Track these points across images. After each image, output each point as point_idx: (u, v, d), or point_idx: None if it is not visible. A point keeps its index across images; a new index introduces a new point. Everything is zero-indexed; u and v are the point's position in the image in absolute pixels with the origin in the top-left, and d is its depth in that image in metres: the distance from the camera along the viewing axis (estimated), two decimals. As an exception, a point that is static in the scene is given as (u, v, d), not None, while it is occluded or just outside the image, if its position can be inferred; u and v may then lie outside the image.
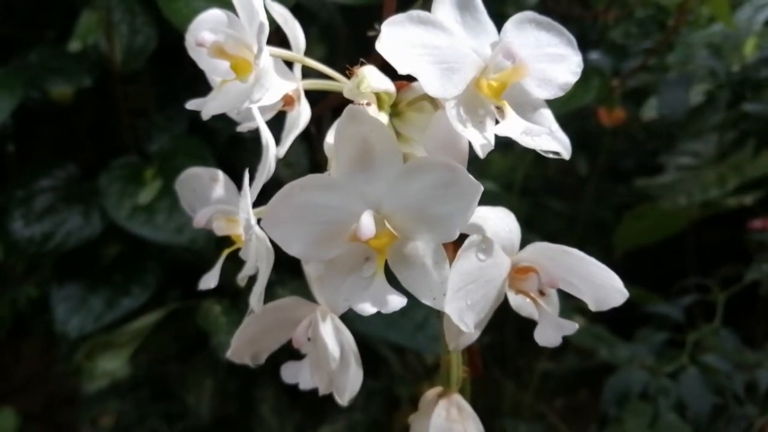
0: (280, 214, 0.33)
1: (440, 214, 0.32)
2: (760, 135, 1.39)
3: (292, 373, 0.40)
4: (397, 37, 0.32)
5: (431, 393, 0.43)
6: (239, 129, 0.42)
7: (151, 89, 1.02)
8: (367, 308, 0.32)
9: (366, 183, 0.33)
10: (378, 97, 0.36)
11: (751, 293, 1.30)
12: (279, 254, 1.11)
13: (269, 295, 1.07)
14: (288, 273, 1.10)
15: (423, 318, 0.95)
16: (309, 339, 0.39)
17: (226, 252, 0.40)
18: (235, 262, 1.03)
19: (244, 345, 0.40)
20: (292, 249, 0.34)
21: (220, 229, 0.39)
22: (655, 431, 1.15)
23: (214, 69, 0.38)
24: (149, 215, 0.91)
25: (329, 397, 1.32)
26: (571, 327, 0.35)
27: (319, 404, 1.32)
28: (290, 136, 0.40)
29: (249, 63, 0.35)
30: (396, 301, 0.32)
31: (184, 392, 1.17)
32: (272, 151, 0.38)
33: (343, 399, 0.40)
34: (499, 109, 0.33)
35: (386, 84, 0.35)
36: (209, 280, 0.40)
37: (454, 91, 0.32)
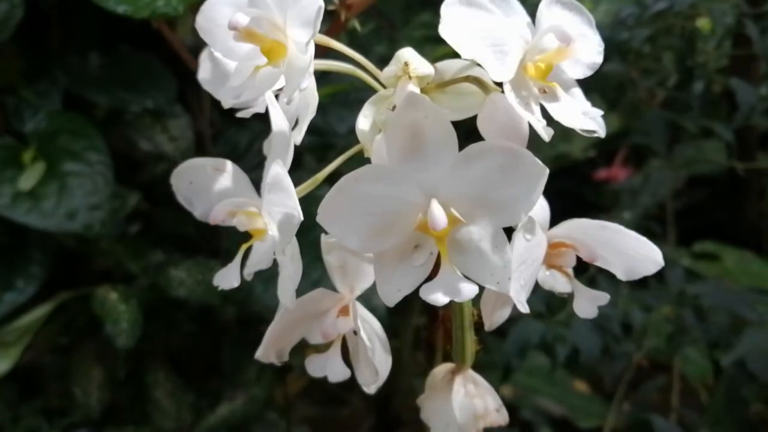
0: (337, 208, 0.32)
1: (503, 199, 0.32)
2: (609, 95, 1.49)
3: (318, 367, 0.39)
4: (458, 20, 0.31)
5: (440, 371, 0.44)
6: (240, 114, 0.40)
7: (17, 63, 0.92)
8: (440, 298, 0.32)
9: (420, 170, 0.32)
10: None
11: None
12: (169, 234, 1.05)
13: (164, 276, 1.01)
14: (180, 253, 1.06)
15: (318, 277, 0.94)
16: (355, 333, 0.38)
17: (244, 247, 0.38)
18: (130, 246, 0.95)
19: (273, 343, 0.38)
20: (350, 242, 0.33)
21: (242, 224, 0.37)
22: (551, 380, 1.24)
23: (232, 52, 0.35)
24: (34, 202, 0.84)
25: (221, 375, 1.28)
26: (604, 298, 0.37)
27: (212, 383, 1.29)
28: (305, 120, 0.38)
29: (283, 46, 0.33)
30: (468, 289, 0.32)
31: (69, 385, 1.10)
32: (292, 139, 0.36)
33: (371, 387, 0.39)
34: (543, 90, 0.34)
35: (429, 67, 0.35)
36: (230, 279, 0.37)
37: (510, 74, 0.32)
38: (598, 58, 0.36)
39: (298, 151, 1.21)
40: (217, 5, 0.34)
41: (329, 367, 0.38)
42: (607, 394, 1.62)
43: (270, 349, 0.38)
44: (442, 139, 0.32)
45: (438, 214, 0.31)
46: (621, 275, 0.37)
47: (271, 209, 0.35)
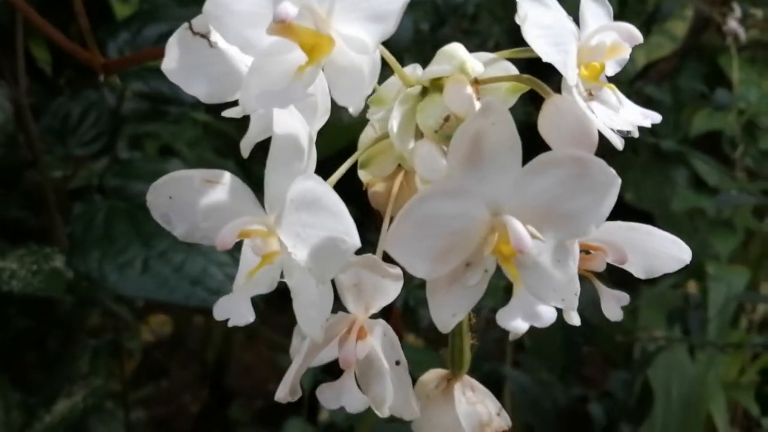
0: (404, 233, 0.28)
1: (571, 211, 0.30)
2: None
3: (332, 398, 0.34)
4: (536, 19, 0.28)
5: (431, 378, 0.41)
6: (227, 114, 0.34)
7: None
8: (520, 325, 0.29)
9: (482, 181, 0.29)
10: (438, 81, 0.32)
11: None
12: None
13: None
14: (4, 241, 0.93)
15: (200, 270, 0.87)
16: (398, 363, 0.34)
17: (252, 273, 0.32)
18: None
19: (294, 380, 0.33)
20: (417, 269, 0.29)
21: (259, 248, 0.31)
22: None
23: (250, 45, 0.29)
24: None
25: (50, 371, 1.16)
26: (626, 298, 0.37)
27: (41, 379, 1.15)
28: (314, 127, 0.33)
29: (330, 42, 0.28)
30: (549, 313, 0.29)
31: None
32: (311, 145, 0.31)
33: (383, 411, 0.36)
34: (589, 92, 0.32)
35: (480, 65, 0.31)
36: (243, 314, 0.32)
37: (576, 75, 0.30)
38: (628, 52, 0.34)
39: (123, 117, 1.09)
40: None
41: (345, 397, 0.34)
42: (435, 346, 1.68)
43: (290, 387, 0.33)
44: (507, 147, 0.29)
45: (522, 234, 0.28)
46: (640, 274, 0.37)
47: (303, 231, 0.30)
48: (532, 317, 0.29)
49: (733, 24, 1.35)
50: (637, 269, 0.37)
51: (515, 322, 0.29)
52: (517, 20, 0.28)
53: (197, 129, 1.59)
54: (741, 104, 1.30)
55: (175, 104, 0.96)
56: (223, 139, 1.62)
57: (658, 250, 0.36)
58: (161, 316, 1.44)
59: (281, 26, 0.27)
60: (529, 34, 0.28)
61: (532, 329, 0.30)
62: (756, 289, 1.34)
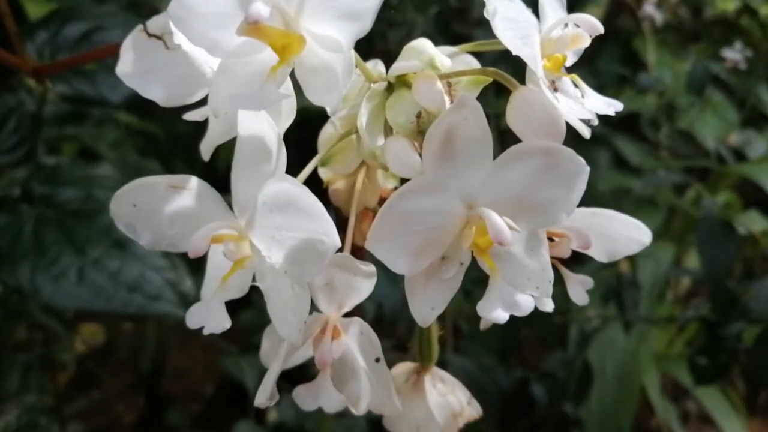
0: (384, 230, 0.28)
1: (542, 200, 0.30)
2: (360, 47, 1.51)
3: (309, 399, 0.34)
4: (504, 13, 0.28)
5: (401, 372, 0.41)
6: (188, 117, 0.33)
7: None
8: (501, 315, 0.29)
9: (455, 176, 0.29)
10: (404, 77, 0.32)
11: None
12: None
13: None
14: None
15: (138, 276, 0.85)
16: (377, 360, 0.34)
17: (226, 279, 0.32)
18: None
19: (273, 384, 0.33)
20: (399, 266, 0.29)
21: (232, 254, 0.30)
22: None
23: (216, 47, 0.28)
24: None
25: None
26: (590, 282, 0.37)
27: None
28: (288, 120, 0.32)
29: (301, 41, 0.27)
30: (527, 301, 0.30)
31: None
32: (280, 147, 0.31)
33: (359, 408, 0.36)
34: (552, 82, 0.32)
35: (448, 59, 0.31)
36: (219, 320, 0.31)
37: (542, 67, 0.30)
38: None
39: (43, 121, 1.05)
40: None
41: (323, 398, 0.34)
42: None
43: (270, 392, 0.33)
44: (478, 141, 0.29)
45: (501, 226, 0.28)
46: (602, 258, 0.38)
47: (278, 234, 0.29)
48: (511, 306, 0.29)
49: (649, 9, 1.39)
50: (599, 253, 0.38)
51: (496, 313, 0.29)
52: (486, 15, 0.28)
53: (119, 130, 1.54)
54: (659, 86, 1.34)
55: (99, 106, 0.92)
56: (146, 140, 1.57)
57: (619, 234, 0.37)
58: (92, 325, 1.40)
59: (252, 27, 0.26)
60: (498, 28, 0.28)
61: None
62: (680, 264, 1.40)
